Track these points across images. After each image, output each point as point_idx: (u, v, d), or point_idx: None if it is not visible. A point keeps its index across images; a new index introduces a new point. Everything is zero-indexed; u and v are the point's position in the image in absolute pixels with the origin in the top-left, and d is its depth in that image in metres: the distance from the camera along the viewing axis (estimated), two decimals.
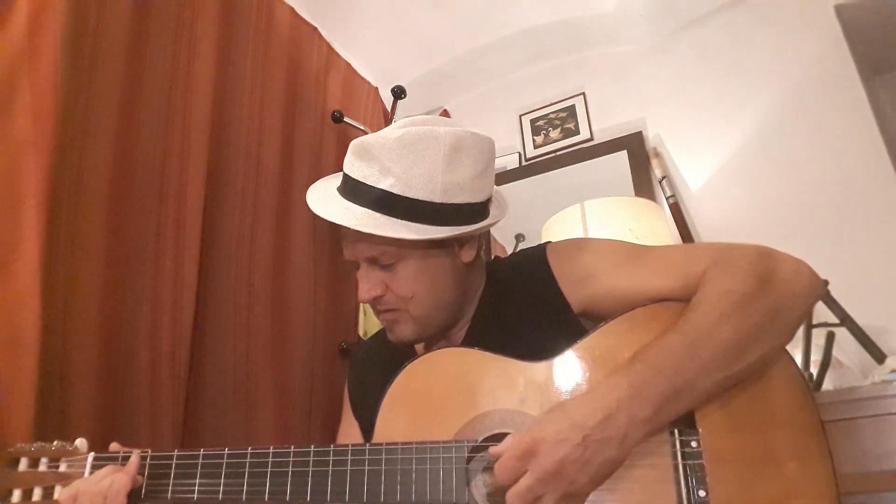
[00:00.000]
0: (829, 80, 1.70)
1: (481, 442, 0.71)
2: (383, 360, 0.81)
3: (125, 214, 1.14)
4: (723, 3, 1.94)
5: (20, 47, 0.98)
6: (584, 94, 2.14)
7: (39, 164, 0.95)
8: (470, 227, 0.81)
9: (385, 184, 0.77)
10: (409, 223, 0.77)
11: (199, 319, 1.23)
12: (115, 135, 1.14)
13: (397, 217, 0.77)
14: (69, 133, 1.03)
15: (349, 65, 1.99)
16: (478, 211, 0.83)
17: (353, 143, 0.82)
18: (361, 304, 1.66)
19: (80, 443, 0.82)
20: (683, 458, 0.67)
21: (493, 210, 0.87)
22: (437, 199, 0.78)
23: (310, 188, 0.87)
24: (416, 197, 0.77)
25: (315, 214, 0.82)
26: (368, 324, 1.62)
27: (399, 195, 0.77)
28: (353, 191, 0.80)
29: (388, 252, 0.80)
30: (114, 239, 1.11)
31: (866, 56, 1.74)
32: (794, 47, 1.78)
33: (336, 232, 0.84)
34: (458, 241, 0.84)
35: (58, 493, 0.77)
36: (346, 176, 0.83)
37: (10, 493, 0.77)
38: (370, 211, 0.78)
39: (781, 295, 0.70)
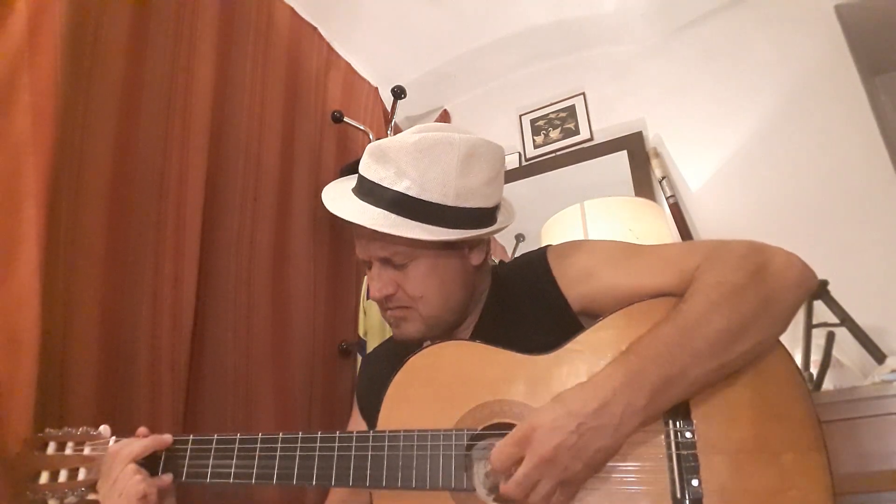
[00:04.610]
0: (829, 80, 1.70)
1: (481, 431, 0.74)
2: (392, 363, 0.83)
3: (125, 214, 1.14)
4: (723, 3, 1.94)
5: (20, 47, 0.98)
6: (584, 94, 2.14)
7: (39, 164, 0.95)
8: (480, 231, 0.84)
9: (401, 186, 0.80)
10: (423, 224, 0.80)
11: (199, 319, 1.23)
12: (115, 135, 1.14)
13: (411, 218, 0.80)
14: (69, 133, 1.03)
15: (349, 65, 1.99)
16: (487, 216, 0.86)
17: (370, 147, 0.84)
18: (361, 304, 1.66)
19: (104, 429, 0.86)
20: (678, 448, 0.68)
21: (500, 216, 0.90)
22: (450, 203, 0.81)
23: (325, 188, 0.90)
24: (430, 199, 0.80)
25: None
26: (368, 324, 1.61)
27: (414, 197, 0.80)
28: (370, 192, 0.83)
29: (400, 252, 0.83)
30: (114, 238, 1.11)
31: (866, 56, 1.74)
32: (794, 47, 1.78)
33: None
34: (469, 244, 0.87)
35: (82, 474, 0.82)
36: (361, 178, 0.85)
37: (38, 475, 0.82)
38: (385, 212, 0.80)
39: (773, 285, 0.71)
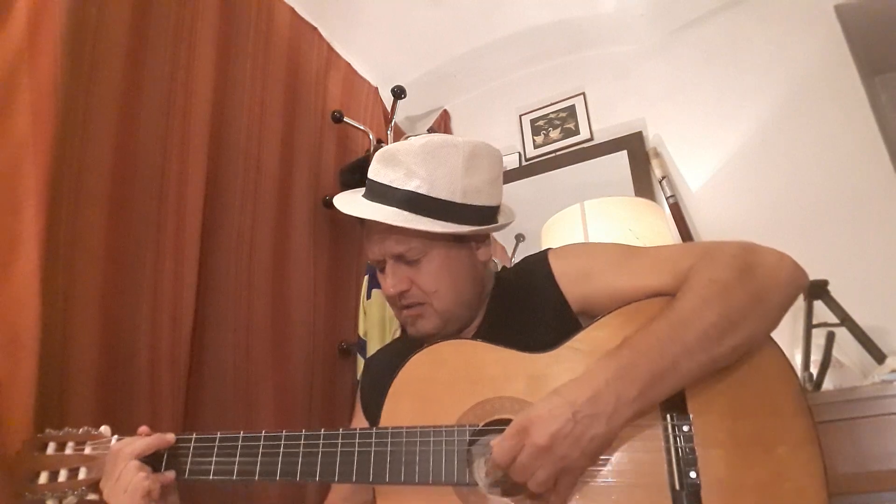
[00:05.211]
0: (829, 80, 1.70)
1: (482, 427, 0.75)
2: (394, 364, 0.85)
3: (125, 214, 1.14)
4: (723, 3, 1.94)
5: (20, 47, 0.98)
6: (584, 94, 2.14)
7: (39, 164, 0.95)
8: (487, 227, 0.89)
9: (411, 185, 0.85)
10: (434, 220, 0.84)
11: (198, 319, 1.23)
12: (115, 135, 1.14)
13: (423, 215, 0.84)
14: (69, 133, 1.03)
15: (349, 65, 1.99)
16: (491, 214, 0.91)
17: (379, 153, 0.90)
18: (361, 304, 1.66)
19: (105, 429, 0.86)
20: (675, 441, 0.70)
21: (500, 217, 0.94)
22: (458, 200, 0.85)
23: (335, 197, 0.94)
24: (439, 197, 0.85)
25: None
26: (368, 324, 1.61)
27: (424, 195, 0.84)
28: (381, 194, 0.87)
29: (414, 248, 0.86)
30: (114, 239, 1.11)
31: (866, 56, 1.74)
32: (794, 47, 1.78)
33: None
34: (476, 240, 0.92)
35: (83, 474, 0.82)
36: (371, 182, 0.90)
37: (37, 475, 0.82)
38: (398, 209, 0.85)
39: (763, 283, 0.74)
